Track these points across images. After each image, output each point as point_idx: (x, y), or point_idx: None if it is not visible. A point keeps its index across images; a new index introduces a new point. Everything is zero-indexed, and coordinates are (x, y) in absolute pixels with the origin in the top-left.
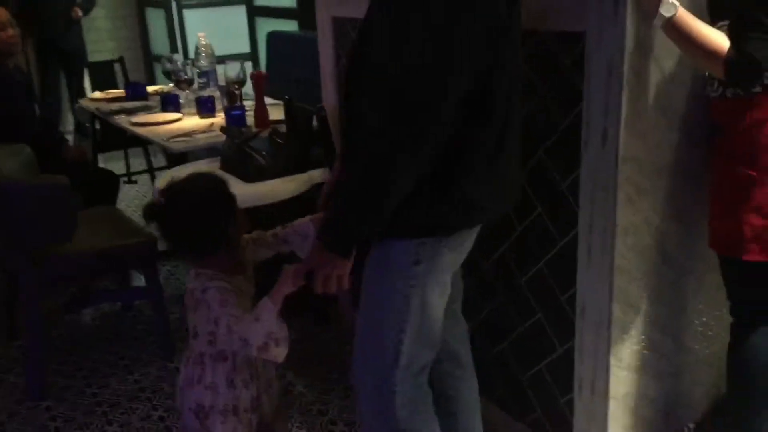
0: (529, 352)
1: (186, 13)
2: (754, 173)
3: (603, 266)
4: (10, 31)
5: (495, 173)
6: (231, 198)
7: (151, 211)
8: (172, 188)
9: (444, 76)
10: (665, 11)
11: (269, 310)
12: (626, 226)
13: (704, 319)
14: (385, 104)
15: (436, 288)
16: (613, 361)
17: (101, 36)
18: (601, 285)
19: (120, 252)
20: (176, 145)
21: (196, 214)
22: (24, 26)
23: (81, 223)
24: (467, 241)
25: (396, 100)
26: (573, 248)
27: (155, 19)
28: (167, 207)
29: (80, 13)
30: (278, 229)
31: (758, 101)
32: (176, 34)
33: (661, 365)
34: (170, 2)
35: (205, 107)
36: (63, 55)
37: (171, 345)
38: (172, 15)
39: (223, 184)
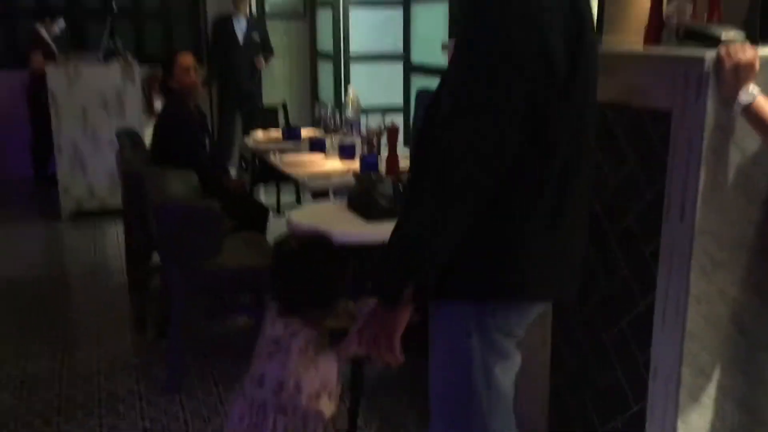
0: (607, 406)
1: (352, 66)
2: None
3: (675, 331)
4: (193, 75)
5: (549, 245)
6: (342, 269)
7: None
8: (288, 253)
9: (506, 83)
10: (743, 99)
11: (331, 364)
12: (698, 295)
13: None
14: (452, 116)
15: (497, 358)
16: (681, 425)
17: (278, 82)
18: (672, 348)
19: (254, 273)
20: (313, 184)
21: (310, 282)
22: (212, 71)
23: (230, 245)
24: (516, 316)
25: (461, 106)
26: (652, 311)
27: (325, 69)
28: (279, 267)
29: (264, 64)
30: (350, 302)
31: None
32: (341, 85)
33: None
34: (340, 55)
35: (345, 152)
36: (241, 98)
37: None
38: (340, 67)
39: (337, 256)
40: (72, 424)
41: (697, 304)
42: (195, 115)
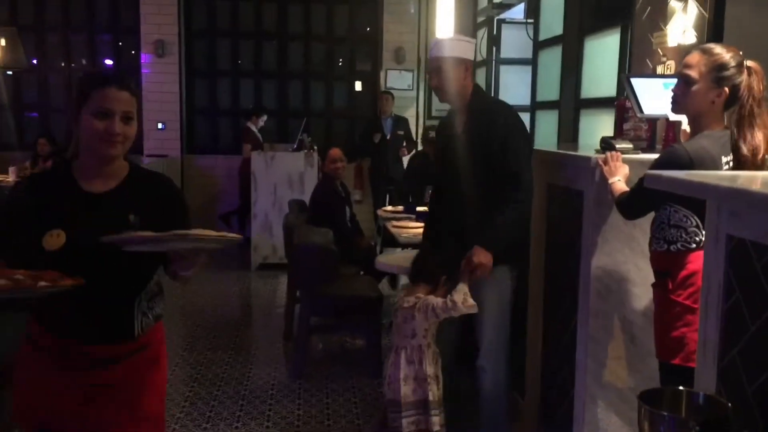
0: (563, 389)
1: None
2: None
3: (584, 335)
4: (339, 164)
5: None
6: None
7: None
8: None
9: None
10: (610, 182)
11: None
12: (596, 311)
13: None
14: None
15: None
16: (589, 402)
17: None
18: (583, 347)
19: (355, 299)
20: (402, 239)
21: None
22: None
23: (348, 281)
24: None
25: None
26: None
27: None
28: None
29: (406, 153)
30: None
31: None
32: None
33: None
34: None
35: None
36: (389, 180)
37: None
38: None
39: None
40: (240, 383)
41: (596, 317)
42: (339, 191)
